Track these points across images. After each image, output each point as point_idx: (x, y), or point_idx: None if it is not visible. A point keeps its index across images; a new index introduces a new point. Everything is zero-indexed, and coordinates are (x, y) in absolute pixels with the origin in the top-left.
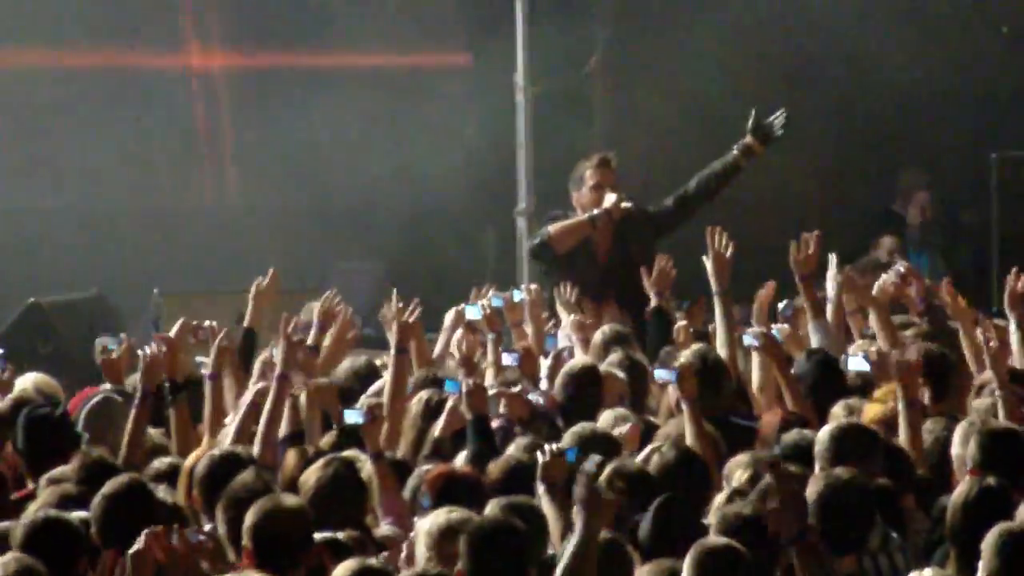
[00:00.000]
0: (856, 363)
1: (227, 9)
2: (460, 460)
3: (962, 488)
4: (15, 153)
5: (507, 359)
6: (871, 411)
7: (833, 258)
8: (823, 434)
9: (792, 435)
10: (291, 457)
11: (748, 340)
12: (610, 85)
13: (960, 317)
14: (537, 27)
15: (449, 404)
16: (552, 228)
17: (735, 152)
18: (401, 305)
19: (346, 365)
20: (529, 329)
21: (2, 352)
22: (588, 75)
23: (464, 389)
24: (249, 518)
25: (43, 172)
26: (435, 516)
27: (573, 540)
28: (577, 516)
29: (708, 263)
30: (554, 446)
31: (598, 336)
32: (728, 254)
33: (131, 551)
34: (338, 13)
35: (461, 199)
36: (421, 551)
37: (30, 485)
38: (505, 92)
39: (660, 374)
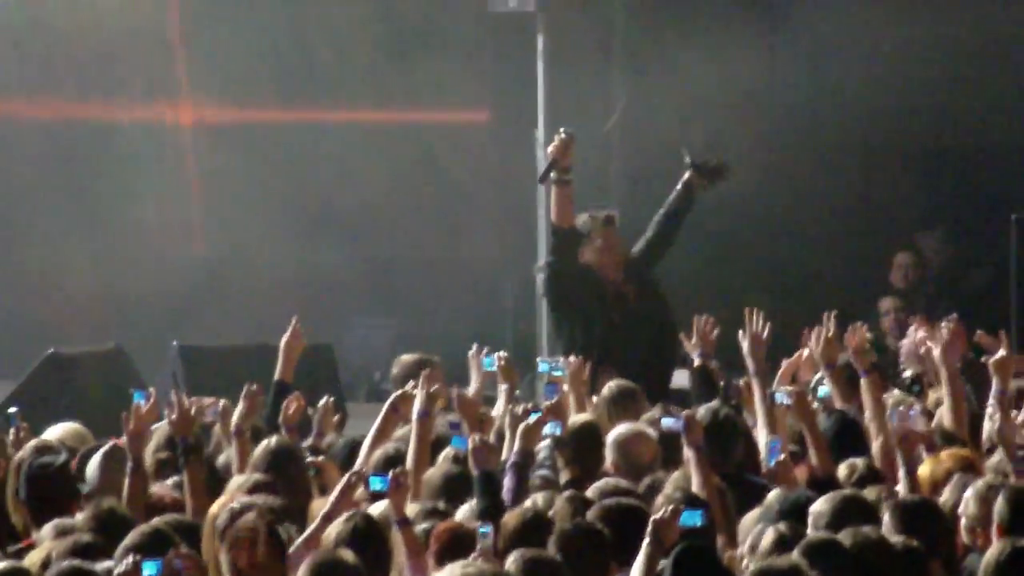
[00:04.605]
0: (779, 397)
1: (227, 65)
2: (464, 512)
3: (994, 549)
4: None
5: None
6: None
7: None
8: (821, 505)
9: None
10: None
11: (780, 398)
12: (629, 142)
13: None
14: (557, 83)
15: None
16: (552, 217)
17: (679, 189)
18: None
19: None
20: (571, 398)
21: (15, 410)
22: (609, 131)
23: (470, 445)
24: (303, 570)
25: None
26: (449, 570)
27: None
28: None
29: (744, 344)
30: (671, 506)
31: (605, 392)
32: (765, 335)
33: (116, 571)
34: (356, 70)
35: (480, 255)
36: None
37: (33, 535)
38: (525, 147)
39: (667, 422)
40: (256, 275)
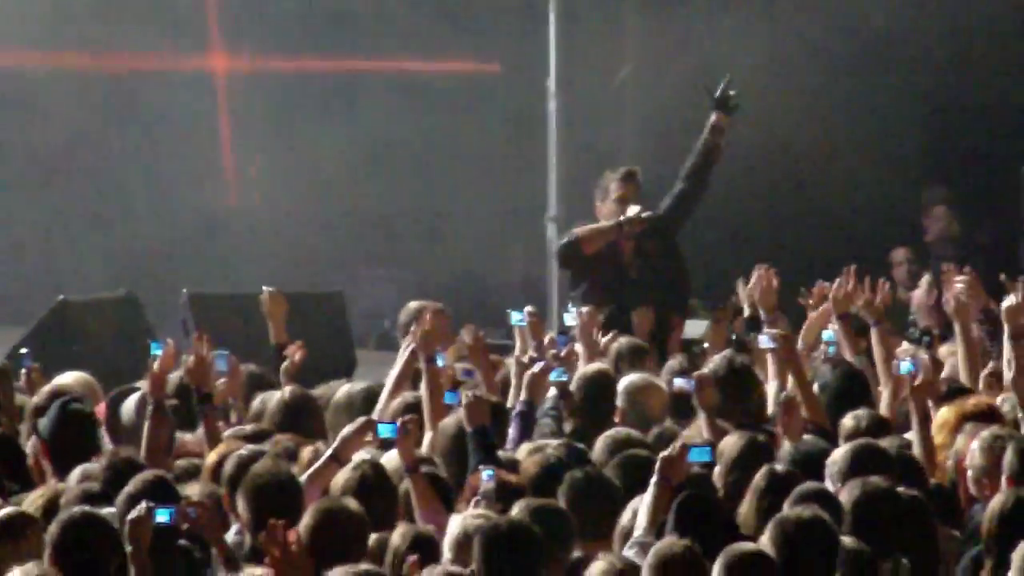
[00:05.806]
0: (764, 341)
1: (254, 14)
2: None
3: (999, 498)
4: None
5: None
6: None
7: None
8: (841, 453)
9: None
10: (306, 453)
11: (764, 342)
12: (642, 93)
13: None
14: (569, 34)
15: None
16: (579, 230)
17: (706, 135)
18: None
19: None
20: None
21: (27, 351)
22: (622, 83)
23: (463, 401)
24: (307, 518)
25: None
26: (462, 519)
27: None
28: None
29: (755, 294)
30: (680, 444)
31: (613, 347)
32: (775, 284)
33: (129, 517)
34: (367, 19)
35: (490, 205)
36: (445, 554)
37: (50, 481)
38: (537, 98)
39: (678, 382)
40: (266, 223)
